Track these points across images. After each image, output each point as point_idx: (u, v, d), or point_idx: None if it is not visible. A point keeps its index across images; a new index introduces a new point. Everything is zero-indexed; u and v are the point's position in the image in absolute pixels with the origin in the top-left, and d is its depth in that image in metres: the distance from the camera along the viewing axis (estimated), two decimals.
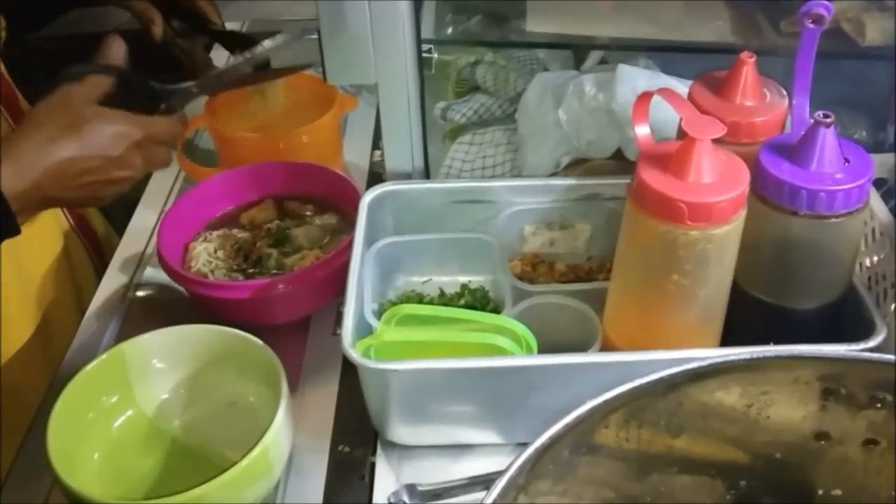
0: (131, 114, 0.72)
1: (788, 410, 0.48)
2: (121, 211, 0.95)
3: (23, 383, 0.80)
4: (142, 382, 0.66)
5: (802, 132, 0.58)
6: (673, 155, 0.56)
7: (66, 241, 0.91)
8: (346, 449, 0.67)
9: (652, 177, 0.56)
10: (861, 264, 0.67)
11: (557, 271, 0.75)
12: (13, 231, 0.68)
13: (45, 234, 0.87)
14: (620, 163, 0.79)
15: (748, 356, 0.46)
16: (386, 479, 0.64)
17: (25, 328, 0.84)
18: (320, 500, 0.64)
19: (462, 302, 0.74)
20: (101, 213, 1.01)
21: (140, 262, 0.86)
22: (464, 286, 0.75)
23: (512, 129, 0.89)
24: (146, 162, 0.73)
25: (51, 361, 0.79)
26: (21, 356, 0.82)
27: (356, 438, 0.68)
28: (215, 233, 0.81)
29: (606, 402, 0.44)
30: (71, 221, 0.93)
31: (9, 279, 0.81)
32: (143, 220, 0.91)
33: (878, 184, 0.69)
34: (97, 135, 0.70)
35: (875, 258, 0.65)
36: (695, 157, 0.55)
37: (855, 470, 0.49)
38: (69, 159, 0.69)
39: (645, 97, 0.60)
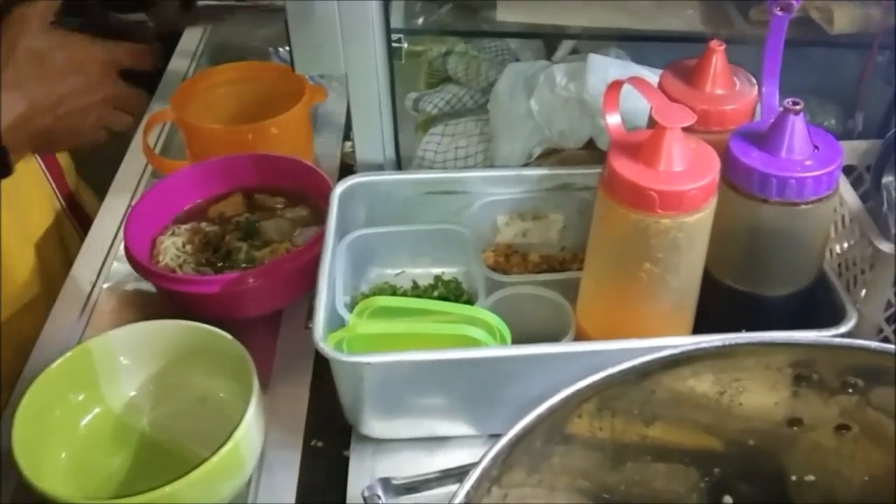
0: (92, 38, 0.74)
1: (761, 397, 0.48)
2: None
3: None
4: (109, 380, 0.65)
5: (772, 120, 0.58)
6: (644, 143, 0.56)
7: (57, 220, 0.90)
8: (320, 444, 0.67)
9: (623, 166, 0.56)
10: (831, 251, 0.67)
11: (531, 262, 0.75)
12: (6, 169, 0.69)
13: (36, 211, 0.86)
14: (593, 152, 0.78)
15: (720, 343, 0.46)
16: (360, 474, 0.64)
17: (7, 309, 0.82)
18: (293, 496, 0.63)
19: (435, 293, 0.73)
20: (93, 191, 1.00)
21: (107, 256, 0.84)
22: (437, 278, 0.75)
23: (484, 120, 0.88)
24: (118, 87, 0.75)
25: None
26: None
27: (329, 433, 0.67)
28: (183, 227, 0.80)
29: (579, 392, 0.44)
30: (62, 202, 0.92)
31: None
32: (110, 213, 0.90)
33: (848, 171, 0.70)
34: (66, 61, 0.71)
35: (845, 245, 0.66)
36: (665, 146, 0.55)
37: (828, 456, 0.50)
38: (46, 89, 0.70)
39: (615, 86, 0.60)
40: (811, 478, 0.51)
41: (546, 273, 0.72)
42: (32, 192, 0.86)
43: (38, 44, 0.71)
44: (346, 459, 0.65)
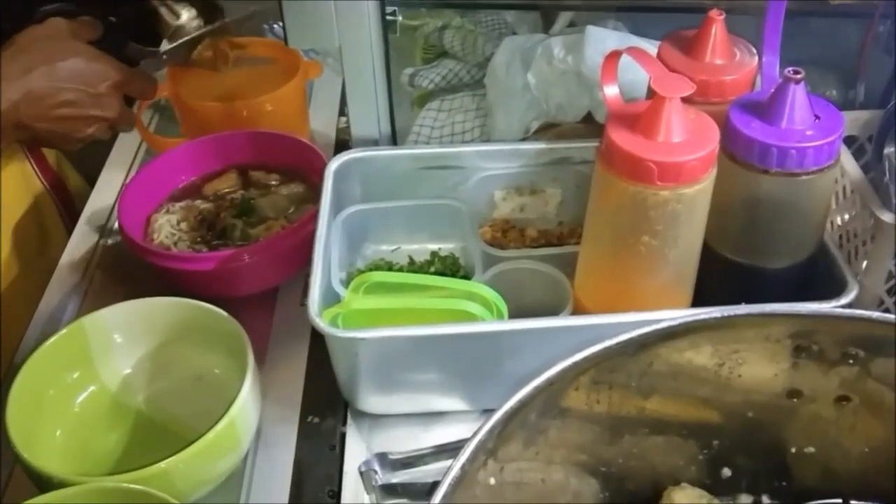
0: (114, 58, 0.75)
1: (760, 369, 0.48)
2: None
3: None
4: (104, 357, 0.65)
5: (772, 90, 0.57)
6: (642, 115, 0.55)
7: (37, 202, 0.90)
8: (316, 420, 0.66)
9: (621, 137, 0.55)
10: (832, 223, 0.66)
11: (528, 237, 0.74)
12: None
13: (12, 195, 0.86)
14: (590, 126, 0.78)
15: (719, 314, 0.46)
16: (357, 449, 0.63)
17: None
18: (290, 472, 0.63)
19: (432, 269, 0.73)
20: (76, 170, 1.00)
21: (101, 234, 0.84)
22: (433, 254, 0.74)
23: (481, 95, 0.87)
24: (121, 109, 0.75)
25: (16, 331, 0.77)
26: None
27: (326, 409, 0.67)
28: (178, 204, 0.79)
29: (576, 364, 0.43)
30: (44, 182, 0.91)
31: None
32: (105, 191, 0.89)
33: (849, 142, 0.69)
34: (82, 68, 0.72)
35: (846, 216, 0.65)
36: (664, 117, 0.54)
37: (827, 427, 0.49)
38: (51, 86, 0.70)
39: (614, 56, 0.59)
40: (811, 449, 0.50)
41: (543, 248, 0.72)
42: (11, 173, 0.86)
43: (56, 44, 0.72)
44: (343, 435, 0.65)
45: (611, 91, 0.58)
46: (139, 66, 0.80)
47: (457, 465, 0.39)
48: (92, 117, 0.74)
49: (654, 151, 0.54)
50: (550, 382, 0.42)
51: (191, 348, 0.65)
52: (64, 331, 0.63)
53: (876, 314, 0.45)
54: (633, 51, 0.57)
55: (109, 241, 0.83)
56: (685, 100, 0.55)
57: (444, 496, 0.38)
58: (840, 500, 0.43)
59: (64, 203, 0.94)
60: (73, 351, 0.63)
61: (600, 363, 0.44)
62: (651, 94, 0.56)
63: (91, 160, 0.96)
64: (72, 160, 1.01)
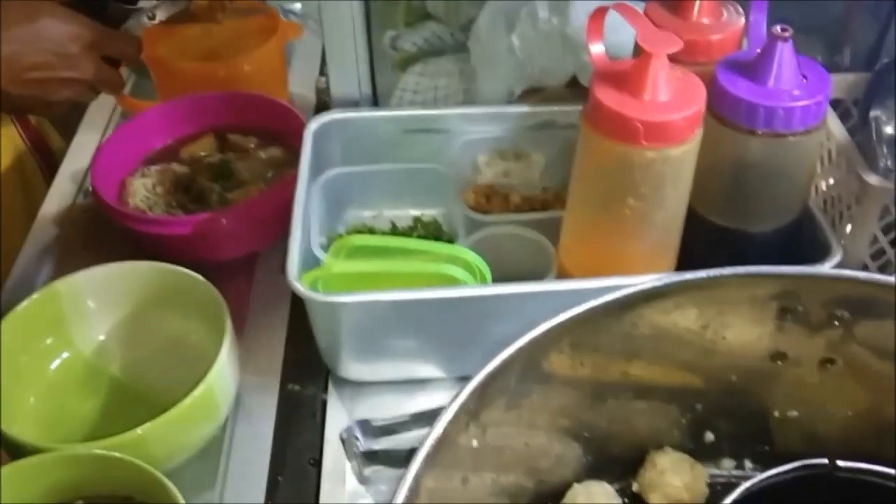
0: (87, 17, 0.72)
1: (745, 331, 0.47)
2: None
3: None
4: (78, 323, 0.63)
5: (759, 49, 0.56)
6: (628, 72, 0.54)
7: (20, 161, 0.88)
8: (297, 387, 0.66)
9: (607, 96, 0.54)
10: (817, 188, 0.66)
11: (512, 203, 0.73)
12: None
13: None
14: (575, 90, 0.76)
15: (704, 275, 0.45)
16: (338, 416, 0.63)
17: None
18: (270, 440, 0.62)
19: (415, 235, 0.72)
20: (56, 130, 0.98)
21: (76, 198, 0.82)
22: (416, 219, 0.73)
23: (464, 58, 0.86)
24: (97, 71, 0.73)
25: None
26: None
27: (307, 376, 0.66)
28: (154, 168, 0.77)
29: (560, 324, 0.43)
30: (26, 141, 0.89)
31: None
32: (80, 153, 0.87)
33: (835, 105, 0.68)
34: (51, 30, 0.70)
35: (831, 180, 0.64)
36: (650, 74, 0.53)
37: (811, 391, 0.49)
38: (19, 52, 0.68)
39: (600, 12, 0.57)
40: (794, 413, 0.50)
41: (528, 213, 0.71)
42: None
43: (25, 5, 0.70)
44: (324, 402, 0.64)
45: (596, 49, 0.57)
46: (124, 26, 0.78)
47: (439, 426, 0.38)
48: (65, 79, 0.72)
49: (640, 110, 0.53)
50: (533, 343, 0.42)
51: (167, 314, 0.64)
52: (36, 295, 0.61)
53: (863, 274, 0.44)
54: (619, 6, 0.56)
55: (84, 205, 0.81)
56: (671, 59, 0.53)
57: (426, 457, 0.37)
58: (826, 461, 0.42)
59: (46, 163, 0.92)
60: (46, 316, 0.62)
61: (584, 324, 0.44)
62: (638, 51, 0.55)
63: (71, 122, 0.94)
64: (52, 122, 0.99)
